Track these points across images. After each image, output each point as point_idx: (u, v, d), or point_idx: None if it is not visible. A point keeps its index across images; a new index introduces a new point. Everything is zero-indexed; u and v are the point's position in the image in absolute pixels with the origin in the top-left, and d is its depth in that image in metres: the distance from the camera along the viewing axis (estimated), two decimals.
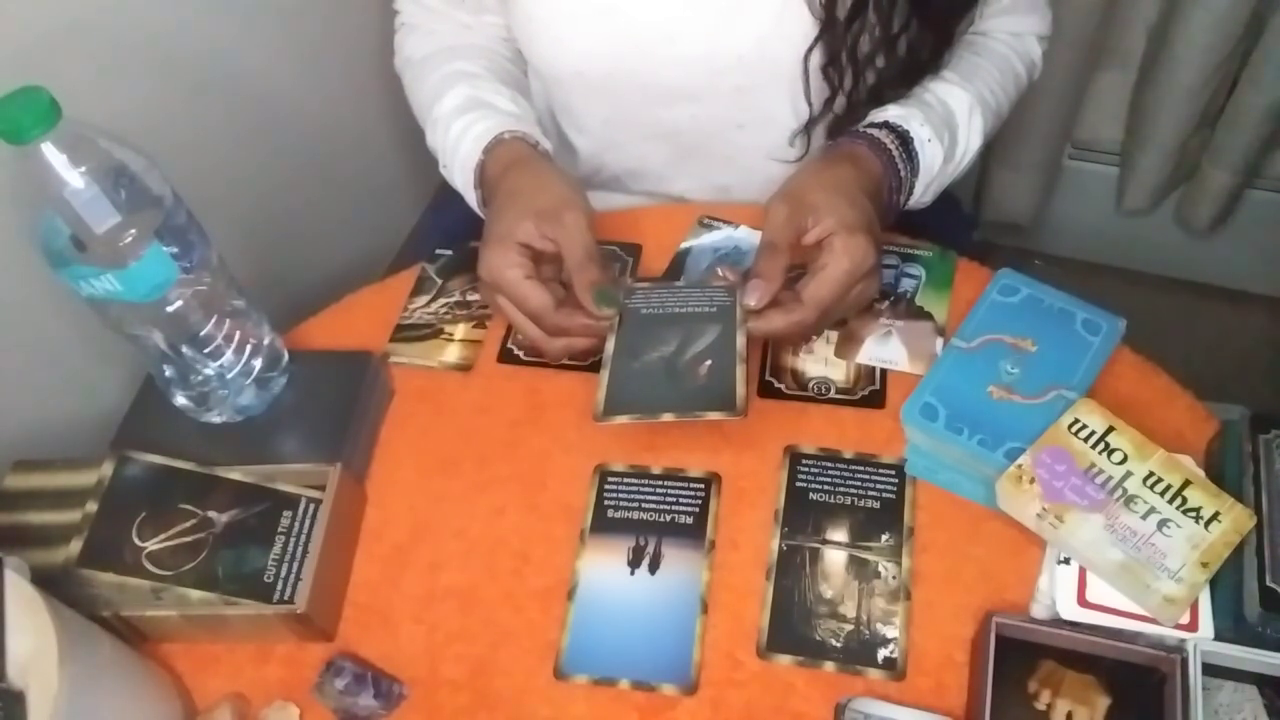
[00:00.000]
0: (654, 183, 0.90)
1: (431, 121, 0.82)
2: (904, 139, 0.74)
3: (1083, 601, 0.60)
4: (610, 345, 0.68)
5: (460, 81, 0.81)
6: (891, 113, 0.75)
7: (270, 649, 0.65)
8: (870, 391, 0.73)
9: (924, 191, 0.77)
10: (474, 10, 0.86)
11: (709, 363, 0.66)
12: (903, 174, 0.74)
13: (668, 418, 0.64)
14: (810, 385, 0.74)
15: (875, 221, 0.69)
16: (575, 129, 0.87)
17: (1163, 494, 0.60)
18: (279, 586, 0.63)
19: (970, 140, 0.79)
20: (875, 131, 0.74)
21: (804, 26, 0.73)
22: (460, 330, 0.80)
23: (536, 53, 0.81)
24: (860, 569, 0.65)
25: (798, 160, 0.82)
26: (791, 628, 0.63)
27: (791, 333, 0.68)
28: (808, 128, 0.79)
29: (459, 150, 0.78)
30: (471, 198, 0.79)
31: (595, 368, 0.75)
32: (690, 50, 0.76)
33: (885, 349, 0.74)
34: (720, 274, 0.72)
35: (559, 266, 0.70)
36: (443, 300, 0.82)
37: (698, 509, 0.68)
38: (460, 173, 0.79)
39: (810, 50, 0.74)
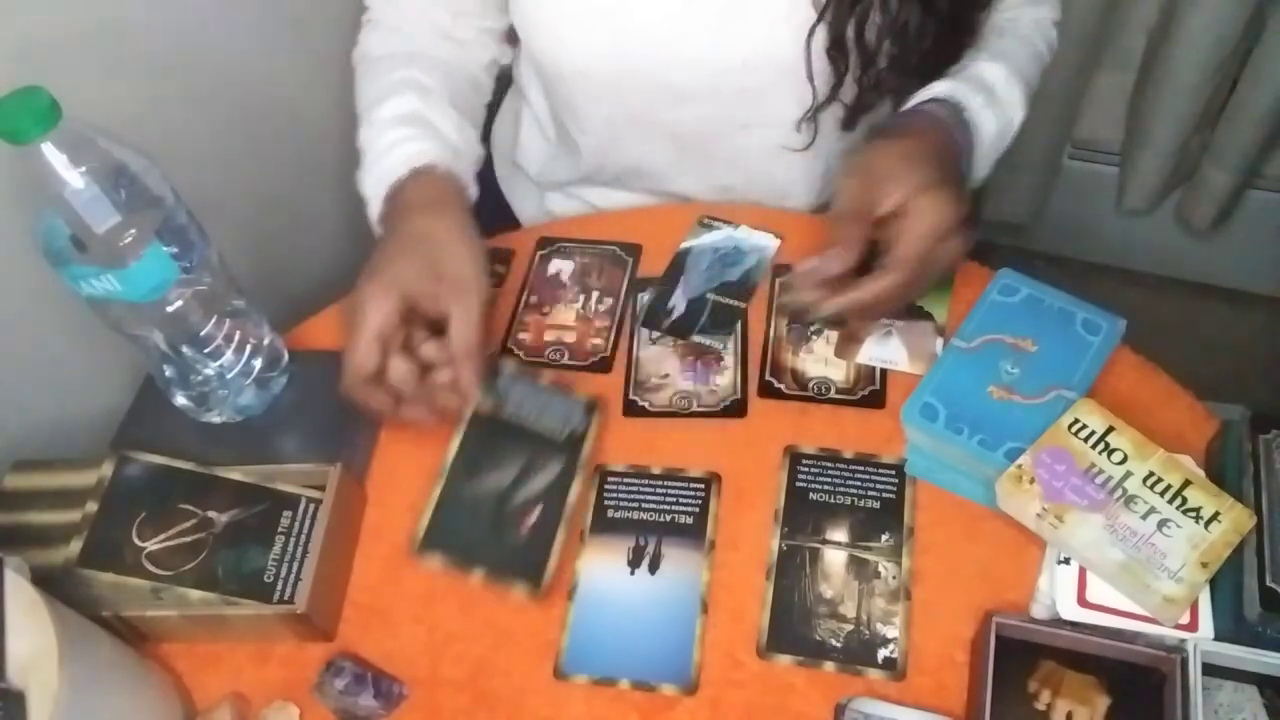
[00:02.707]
0: (657, 181, 0.89)
1: (370, 120, 0.78)
2: (956, 110, 0.74)
3: (1083, 601, 0.60)
4: (453, 447, 0.69)
5: (410, 90, 0.79)
6: (938, 89, 0.74)
7: (270, 649, 0.65)
8: (870, 391, 0.73)
9: (981, 163, 0.76)
10: (452, 12, 0.84)
11: (537, 512, 0.66)
12: (961, 142, 0.73)
13: (477, 574, 0.65)
14: (810, 385, 0.74)
15: (952, 180, 0.68)
16: (579, 128, 0.86)
17: (1163, 494, 0.60)
18: (279, 586, 0.63)
19: (1013, 112, 0.78)
20: (926, 106, 0.74)
21: (807, 26, 0.73)
22: None
23: (540, 52, 0.81)
24: (860, 569, 0.65)
25: (805, 149, 0.81)
26: (791, 628, 0.63)
27: (885, 298, 0.67)
28: (815, 113, 0.78)
29: (386, 157, 0.75)
30: (374, 208, 0.75)
31: (595, 368, 0.76)
32: (693, 51, 0.76)
33: (885, 349, 0.74)
34: (796, 269, 0.69)
35: (426, 328, 0.69)
36: None
37: (698, 509, 0.68)
38: (375, 182, 0.75)
39: (813, 32, 0.73)
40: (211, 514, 0.66)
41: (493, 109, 1.01)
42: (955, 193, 0.66)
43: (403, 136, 0.76)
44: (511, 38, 0.89)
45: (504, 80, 0.96)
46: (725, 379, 0.74)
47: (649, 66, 0.78)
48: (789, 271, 0.80)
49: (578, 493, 0.67)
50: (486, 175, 1.00)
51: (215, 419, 0.72)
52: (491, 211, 0.97)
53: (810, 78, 0.75)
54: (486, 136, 0.97)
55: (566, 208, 0.95)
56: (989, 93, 0.76)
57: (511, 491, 0.67)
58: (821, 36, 0.73)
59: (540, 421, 0.70)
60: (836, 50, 0.74)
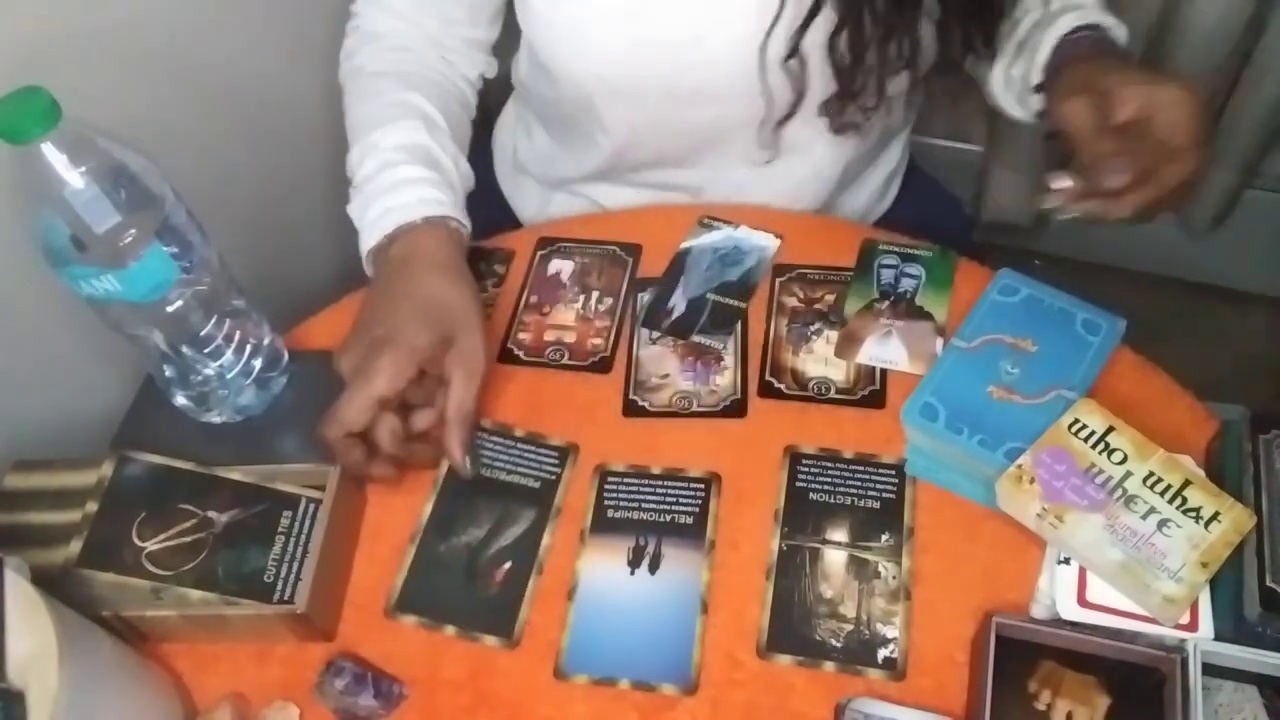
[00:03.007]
0: (668, 174, 0.89)
1: (370, 143, 0.76)
2: (1101, 33, 0.74)
3: (1083, 601, 0.60)
4: (427, 509, 0.69)
5: (416, 119, 0.77)
6: (1066, 23, 0.74)
7: (270, 649, 0.65)
8: (870, 391, 0.73)
9: None
10: (441, 19, 0.84)
11: (507, 566, 0.67)
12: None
13: (449, 630, 0.65)
14: (810, 385, 0.74)
15: None
16: (598, 128, 0.84)
17: (1163, 494, 0.60)
18: (279, 586, 0.63)
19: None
20: (1076, 37, 0.73)
21: (824, 26, 0.72)
22: None
23: (557, 59, 0.79)
24: (860, 569, 0.65)
25: (767, 162, 0.82)
26: (791, 628, 0.63)
27: (1183, 186, 0.65)
28: (783, 121, 0.78)
29: (395, 194, 0.74)
30: (372, 239, 0.73)
31: (595, 368, 0.76)
32: (716, 53, 0.75)
33: (885, 349, 0.74)
34: (1050, 187, 0.67)
35: (420, 387, 0.69)
36: None
37: (698, 509, 0.68)
38: (380, 215, 0.73)
39: (767, 40, 0.72)
40: (211, 514, 0.66)
41: (494, 112, 1.01)
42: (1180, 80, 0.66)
43: (414, 176, 0.74)
44: (497, 50, 0.88)
45: (504, 84, 0.96)
46: (725, 379, 0.74)
47: (671, 70, 0.77)
48: (789, 271, 0.80)
49: (550, 541, 0.68)
50: (486, 176, 1.00)
51: (215, 419, 0.72)
52: (491, 211, 0.97)
53: (765, 86, 0.75)
54: (479, 144, 0.97)
55: (571, 206, 0.95)
56: (1105, 12, 0.76)
57: (484, 545, 0.68)
58: (780, 46, 0.73)
59: (513, 475, 0.71)
60: (849, 46, 0.73)
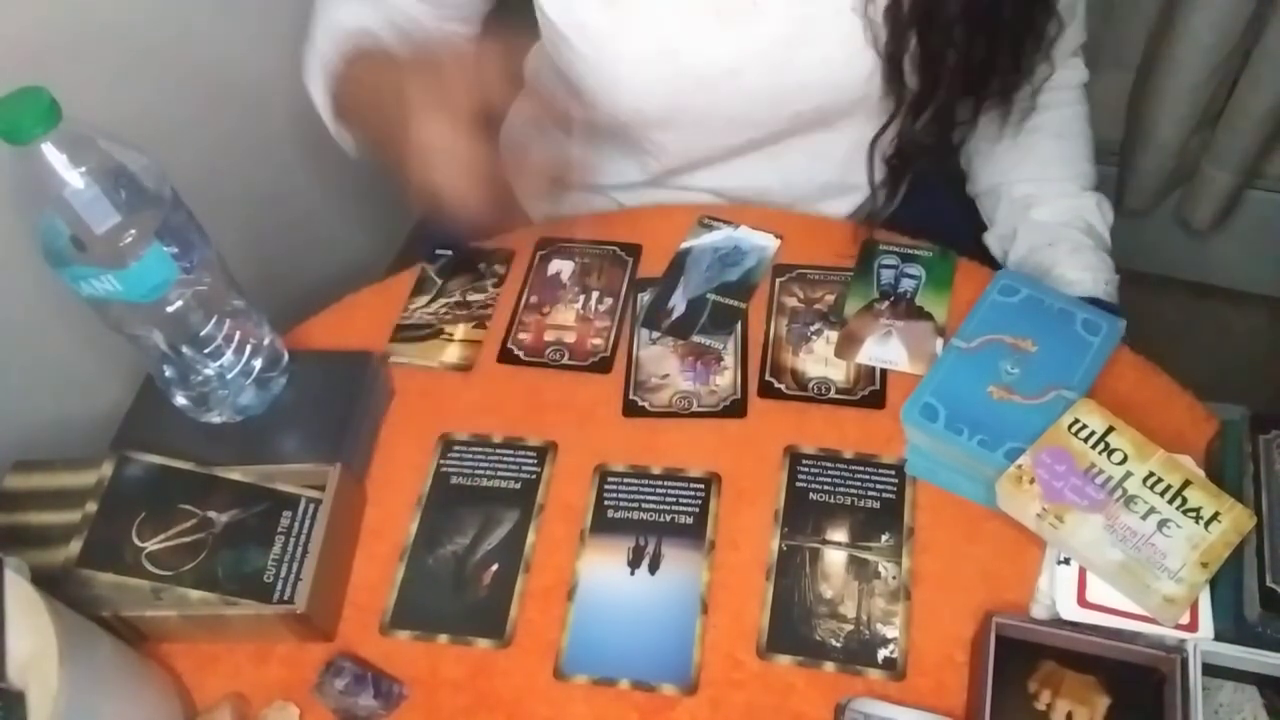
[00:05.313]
0: (700, 180, 0.89)
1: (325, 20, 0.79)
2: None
3: (1083, 601, 0.60)
4: (413, 528, 0.69)
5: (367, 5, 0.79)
6: (1080, 287, 0.81)
7: (270, 649, 0.65)
8: (870, 391, 0.73)
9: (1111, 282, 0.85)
10: (437, 5, 0.83)
11: (494, 568, 0.67)
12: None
13: (443, 639, 0.65)
14: (810, 385, 0.74)
15: None
16: (634, 150, 0.85)
17: (1163, 494, 0.60)
18: (279, 586, 0.63)
19: (1108, 225, 0.90)
20: None
21: (868, 55, 0.73)
22: (460, 330, 0.80)
23: (590, 89, 0.79)
24: (860, 569, 0.65)
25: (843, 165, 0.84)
26: (791, 628, 0.63)
27: None
28: (894, 133, 0.78)
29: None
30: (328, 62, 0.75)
31: (595, 368, 0.76)
32: (753, 83, 0.75)
33: (885, 349, 0.74)
34: None
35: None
36: (443, 300, 0.82)
37: (698, 509, 0.68)
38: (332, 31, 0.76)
39: (893, 56, 0.73)
40: (211, 514, 0.66)
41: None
42: None
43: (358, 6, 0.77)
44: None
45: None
46: (725, 379, 0.74)
47: (708, 100, 0.77)
48: (789, 271, 0.80)
49: (534, 539, 0.68)
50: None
51: (215, 419, 0.72)
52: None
53: (899, 89, 0.75)
54: None
55: (583, 205, 0.95)
56: (1098, 236, 0.85)
57: (471, 551, 0.68)
58: (875, 62, 0.73)
59: (494, 480, 0.71)
60: (894, 90, 0.74)
